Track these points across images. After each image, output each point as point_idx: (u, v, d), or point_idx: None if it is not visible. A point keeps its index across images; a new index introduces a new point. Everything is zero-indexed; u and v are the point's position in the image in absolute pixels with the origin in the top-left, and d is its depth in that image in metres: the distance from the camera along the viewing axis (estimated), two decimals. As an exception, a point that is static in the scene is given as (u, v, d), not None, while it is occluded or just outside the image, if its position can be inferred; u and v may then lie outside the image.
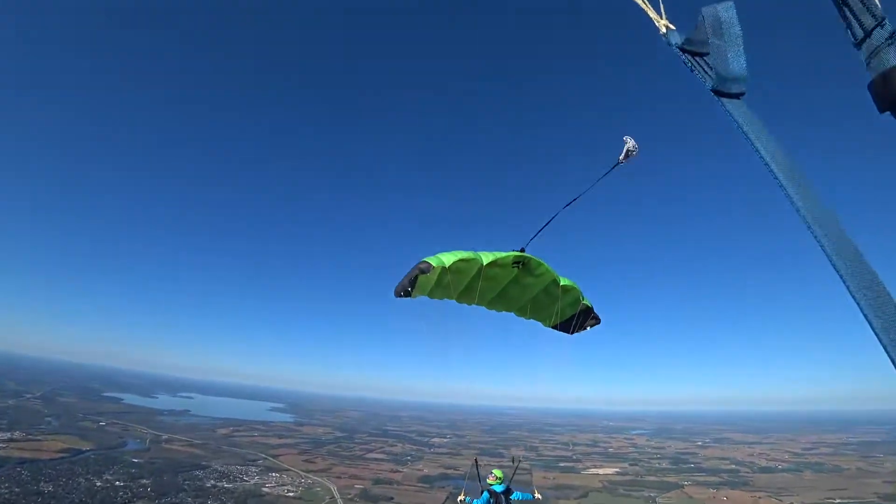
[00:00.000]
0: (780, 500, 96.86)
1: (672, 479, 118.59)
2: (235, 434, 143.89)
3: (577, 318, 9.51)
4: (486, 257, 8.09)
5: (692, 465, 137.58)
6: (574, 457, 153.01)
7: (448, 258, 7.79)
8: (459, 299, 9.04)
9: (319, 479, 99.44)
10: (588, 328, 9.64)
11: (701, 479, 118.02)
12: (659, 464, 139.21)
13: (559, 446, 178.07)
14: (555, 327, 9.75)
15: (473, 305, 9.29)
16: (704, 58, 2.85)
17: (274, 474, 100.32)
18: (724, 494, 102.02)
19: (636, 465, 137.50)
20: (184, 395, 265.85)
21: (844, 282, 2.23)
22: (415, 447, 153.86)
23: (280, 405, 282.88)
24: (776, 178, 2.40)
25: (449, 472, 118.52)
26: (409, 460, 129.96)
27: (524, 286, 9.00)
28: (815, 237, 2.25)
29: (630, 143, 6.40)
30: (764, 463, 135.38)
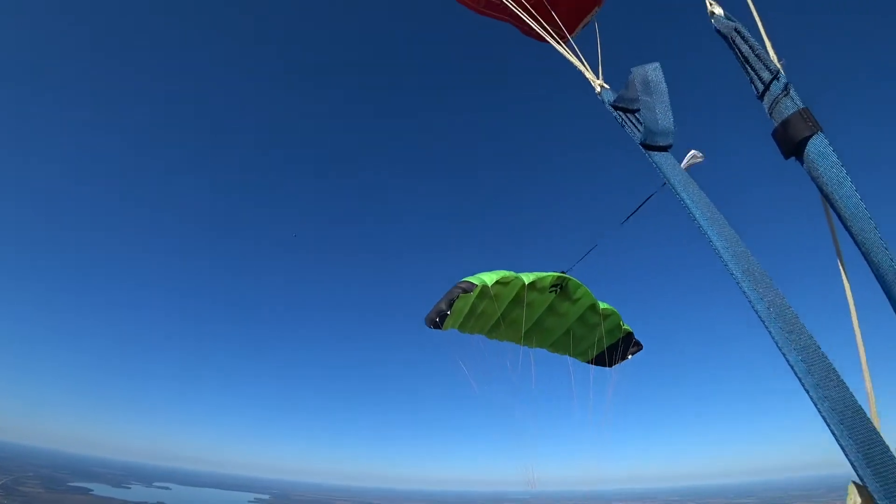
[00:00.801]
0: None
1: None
2: None
3: (618, 348, 8.47)
4: (527, 277, 7.14)
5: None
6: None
7: (489, 277, 6.93)
8: (490, 333, 8.03)
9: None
10: (630, 357, 8.58)
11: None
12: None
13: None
14: (591, 361, 8.65)
15: (503, 342, 8.28)
16: (635, 114, 3.07)
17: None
18: None
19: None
20: (159, 485, 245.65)
21: (777, 344, 2.20)
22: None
23: (263, 496, 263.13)
24: (701, 227, 2.51)
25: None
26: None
27: (560, 314, 8.01)
28: (746, 296, 2.30)
29: (698, 156, 5.89)
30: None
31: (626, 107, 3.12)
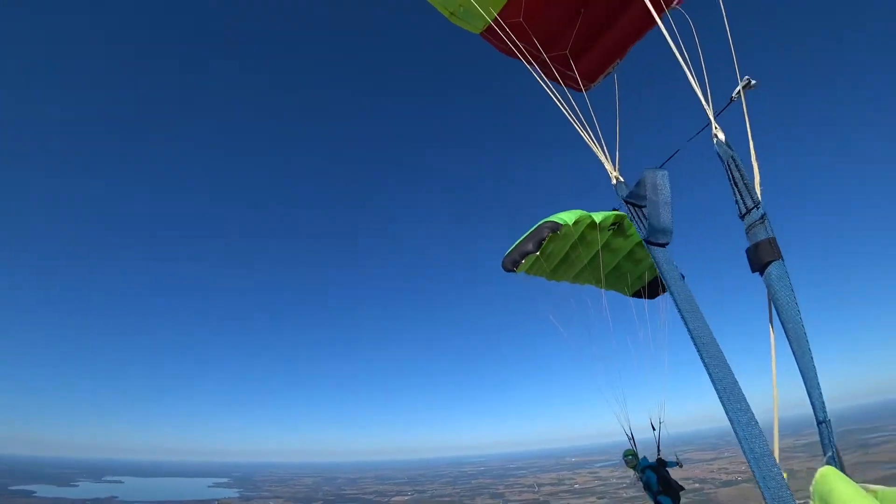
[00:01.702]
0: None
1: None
2: None
3: (659, 281, 8.53)
4: (596, 217, 7.02)
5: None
6: (541, 498, 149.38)
7: (569, 216, 6.76)
8: (552, 273, 7.94)
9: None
10: (660, 294, 8.76)
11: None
12: (626, 493, 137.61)
13: (525, 489, 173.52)
14: (634, 294, 8.78)
15: (558, 282, 8.20)
16: (642, 209, 3.56)
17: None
18: None
19: (604, 497, 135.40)
20: (110, 479, 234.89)
21: (723, 402, 2.81)
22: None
23: (223, 480, 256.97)
24: (682, 314, 3.02)
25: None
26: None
27: (613, 250, 8.05)
28: (705, 365, 2.84)
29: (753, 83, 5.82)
30: (724, 477, 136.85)
31: (635, 202, 3.63)
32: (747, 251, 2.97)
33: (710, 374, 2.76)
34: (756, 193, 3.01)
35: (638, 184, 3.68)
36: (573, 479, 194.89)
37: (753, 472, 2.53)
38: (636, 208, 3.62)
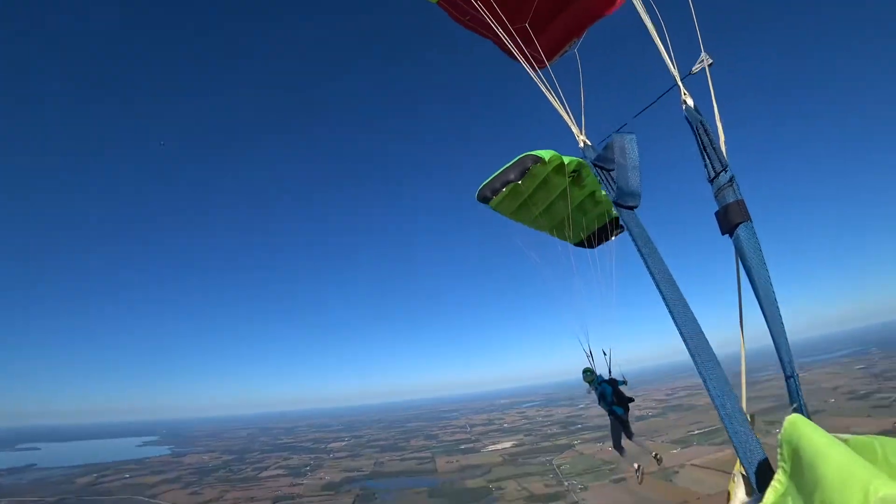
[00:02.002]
0: (654, 442, 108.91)
1: (564, 441, 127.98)
2: (101, 481, 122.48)
3: (604, 231, 9.01)
4: (564, 159, 7.15)
5: (579, 425, 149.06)
6: (473, 437, 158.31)
7: (546, 154, 6.83)
8: (514, 214, 8.10)
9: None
10: (613, 238, 9.13)
11: (588, 436, 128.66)
12: (550, 430, 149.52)
13: (457, 430, 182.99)
14: (577, 244, 9.14)
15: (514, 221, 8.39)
16: (610, 173, 3.60)
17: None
18: (609, 446, 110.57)
19: (531, 434, 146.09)
20: (26, 446, 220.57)
21: (696, 362, 2.82)
22: (313, 456, 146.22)
23: (152, 438, 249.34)
24: (651, 275, 3.05)
25: (352, 474, 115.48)
26: (308, 470, 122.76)
27: (566, 200, 8.16)
28: (677, 327, 2.88)
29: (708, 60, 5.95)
30: (637, 413, 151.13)
31: (604, 166, 3.65)
32: (716, 214, 3.04)
33: (682, 335, 2.87)
34: (724, 157, 3.11)
35: (606, 147, 3.74)
36: (502, 419, 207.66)
37: (725, 427, 2.62)
38: (605, 171, 3.66)
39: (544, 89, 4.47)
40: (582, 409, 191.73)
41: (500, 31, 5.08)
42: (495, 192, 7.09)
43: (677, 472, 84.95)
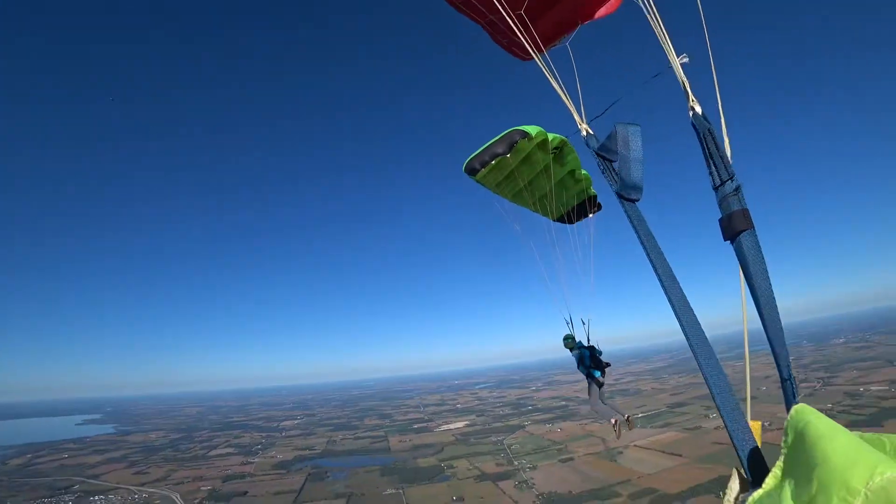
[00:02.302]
0: (600, 424, 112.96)
1: (515, 422, 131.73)
2: (36, 461, 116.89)
3: (582, 207, 9.11)
4: (548, 135, 7.10)
5: (530, 407, 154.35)
6: (426, 417, 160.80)
7: (532, 129, 6.73)
8: (499, 187, 8.10)
9: (157, 491, 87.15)
10: (591, 216, 9.23)
11: (538, 417, 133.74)
12: (502, 411, 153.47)
13: (411, 410, 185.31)
14: (556, 219, 9.22)
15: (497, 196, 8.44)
16: (612, 163, 3.56)
17: (97, 498, 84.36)
18: (558, 426, 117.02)
19: (482, 415, 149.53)
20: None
21: (697, 360, 2.91)
22: (264, 435, 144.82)
23: (95, 416, 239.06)
24: (654, 267, 3.13)
25: (304, 452, 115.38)
26: (259, 449, 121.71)
27: (548, 176, 8.16)
28: (680, 324, 2.97)
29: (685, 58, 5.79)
30: (586, 396, 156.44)
31: (606, 156, 3.57)
32: (720, 221, 3.05)
33: (684, 331, 2.94)
34: (730, 166, 3.11)
35: (609, 137, 3.69)
36: (455, 399, 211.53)
37: (725, 423, 2.71)
38: (606, 162, 3.60)
39: (547, 73, 4.42)
40: (533, 391, 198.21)
41: (503, 12, 4.97)
42: (483, 164, 7.05)
43: (621, 453, 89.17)
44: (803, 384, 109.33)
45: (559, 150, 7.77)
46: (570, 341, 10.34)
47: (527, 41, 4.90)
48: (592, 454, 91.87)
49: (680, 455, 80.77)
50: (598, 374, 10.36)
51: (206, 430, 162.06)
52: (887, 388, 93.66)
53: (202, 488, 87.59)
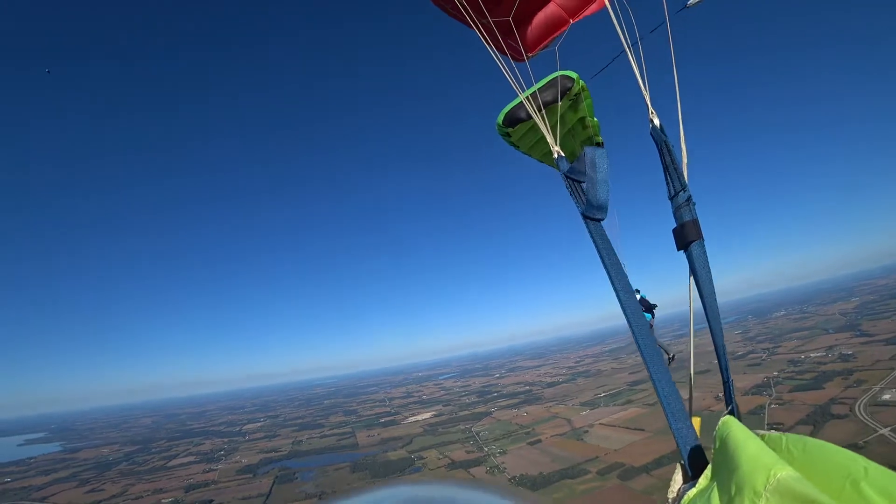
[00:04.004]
0: (565, 406, 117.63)
1: (481, 409, 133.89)
2: None
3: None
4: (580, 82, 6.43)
5: (495, 393, 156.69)
6: (392, 410, 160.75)
7: (573, 73, 6.17)
8: (529, 144, 7.29)
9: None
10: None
11: (504, 403, 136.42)
12: (468, 399, 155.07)
13: (377, 404, 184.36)
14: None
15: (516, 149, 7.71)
16: (581, 185, 3.73)
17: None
18: (524, 411, 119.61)
19: (449, 405, 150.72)
20: None
21: (645, 362, 3.14)
22: (226, 440, 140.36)
23: (38, 435, 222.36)
24: (613, 286, 3.28)
25: (270, 455, 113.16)
26: (222, 455, 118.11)
27: (562, 123, 7.22)
28: (636, 339, 3.14)
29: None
30: (549, 380, 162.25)
31: (575, 177, 3.73)
32: (674, 231, 3.30)
33: (637, 342, 3.13)
34: (684, 178, 3.35)
35: (578, 159, 3.88)
36: (421, 391, 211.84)
37: (669, 423, 2.97)
38: (575, 183, 3.77)
39: (522, 98, 4.70)
40: (497, 378, 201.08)
41: (478, 26, 5.13)
42: (528, 115, 6.17)
43: (587, 432, 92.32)
44: (751, 355, 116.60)
45: (577, 97, 7.14)
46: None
47: (498, 61, 5.07)
48: (559, 435, 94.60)
49: (643, 430, 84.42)
50: (648, 316, 11.57)
51: (164, 439, 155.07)
52: (825, 353, 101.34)
53: (163, 501, 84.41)
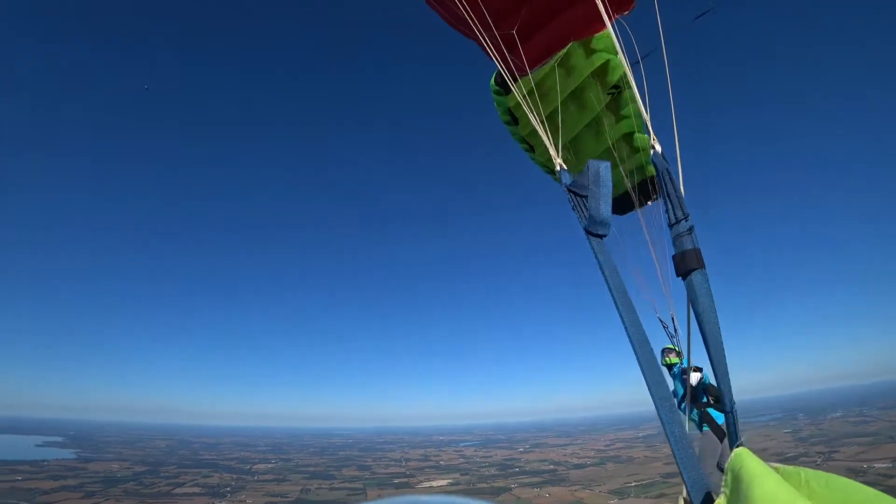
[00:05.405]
0: (591, 491, 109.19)
1: (501, 483, 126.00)
2: None
3: (640, 190, 7.01)
4: (614, 59, 5.75)
5: (517, 469, 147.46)
6: (407, 472, 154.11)
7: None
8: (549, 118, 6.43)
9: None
10: (649, 203, 7.18)
11: (526, 480, 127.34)
12: (488, 471, 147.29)
13: (392, 463, 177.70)
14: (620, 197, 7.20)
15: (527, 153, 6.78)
16: (584, 199, 3.59)
17: (45, 528, 77.76)
18: (546, 492, 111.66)
19: (467, 474, 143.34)
20: None
21: (654, 400, 2.91)
22: (235, 476, 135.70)
23: (56, 438, 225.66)
24: (615, 303, 3.16)
25: (276, 499, 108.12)
26: (228, 492, 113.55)
27: (598, 132, 6.47)
28: (636, 356, 2.97)
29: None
30: (575, 461, 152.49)
31: (577, 191, 3.55)
32: (674, 258, 3.13)
33: (641, 369, 2.88)
34: (685, 206, 3.23)
35: (581, 173, 3.66)
36: (439, 455, 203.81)
37: (674, 453, 2.67)
38: (578, 197, 3.59)
39: (523, 103, 4.46)
40: (521, 452, 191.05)
41: (484, 37, 4.86)
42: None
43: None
44: (802, 458, 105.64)
45: (618, 91, 5.95)
46: (672, 356, 7.47)
47: (502, 68, 4.91)
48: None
49: (675, 529, 76.06)
50: (717, 415, 7.06)
51: (174, 465, 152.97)
52: (891, 465, 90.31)
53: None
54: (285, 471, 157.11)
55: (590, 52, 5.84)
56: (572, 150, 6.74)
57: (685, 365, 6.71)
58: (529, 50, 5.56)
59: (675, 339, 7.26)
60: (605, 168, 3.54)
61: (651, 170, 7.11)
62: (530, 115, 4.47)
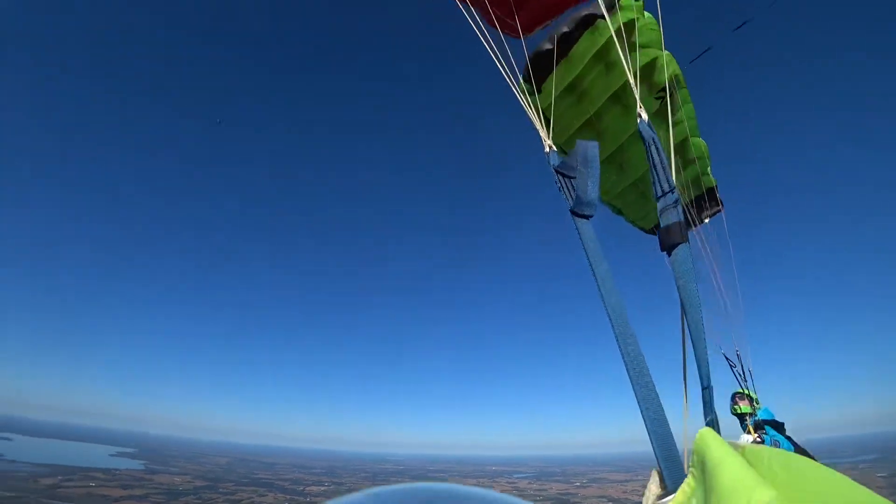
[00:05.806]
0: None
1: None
2: (64, 484, 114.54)
3: (696, 206, 6.29)
4: (663, 55, 5.12)
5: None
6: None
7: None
8: (579, 131, 5.62)
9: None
10: (706, 221, 6.54)
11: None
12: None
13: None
14: (652, 229, 6.50)
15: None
16: (571, 180, 3.53)
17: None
18: None
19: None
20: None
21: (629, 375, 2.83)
22: (288, 497, 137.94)
23: (128, 449, 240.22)
24: (600, 291, 3.07)
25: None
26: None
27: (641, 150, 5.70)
28: (616, 336, 2.89)
29: None
30: (636, 498, 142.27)
31: (565, 173, 3.46)
32: (658, 232, 3.06)
33: (622, 355, 2.77)
34: (671, 178, 3.12)
35: (570, 154, 3.54)
36: (491, 486, 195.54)
37: (647, 430, 2.53)
38: (565, 178, 3.47)
39: (515, 90, 4.28)
40: (577, 486, 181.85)
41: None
42: (553, 44, 5.18)
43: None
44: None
45: (670, 96, 5.04)
46: (744, 404, 5.99)
47: (493, 52, 4.42)
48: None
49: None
50: (785, 443, 5.87)
51: (232, 482, 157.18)
52: None
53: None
54: (337, 494, 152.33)
55: (632, 46, 4.86)
56: (615, 163, 5.93)
57: (763, 416, 5.79)
58: (525, 14, 5.22)
59: (746, 383, 6.10)
60: (592, 148, 3.44)
61: (709, 180, 6.45)
62: (520, 98, 4.08)
